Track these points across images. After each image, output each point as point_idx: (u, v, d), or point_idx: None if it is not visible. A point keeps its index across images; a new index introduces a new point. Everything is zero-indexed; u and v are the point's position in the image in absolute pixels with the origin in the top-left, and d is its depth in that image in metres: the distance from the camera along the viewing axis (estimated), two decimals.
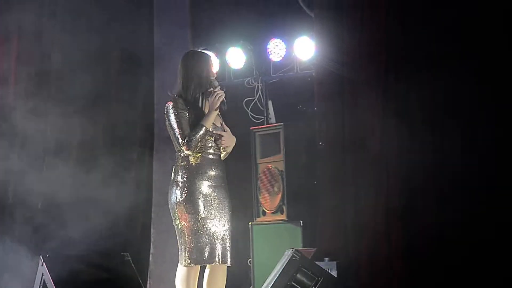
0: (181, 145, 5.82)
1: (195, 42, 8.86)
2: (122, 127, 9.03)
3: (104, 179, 8.81)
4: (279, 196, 8.11)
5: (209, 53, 6.18)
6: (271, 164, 8.22)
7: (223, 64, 8.72)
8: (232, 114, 8.60)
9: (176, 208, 5.86)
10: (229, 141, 6.03)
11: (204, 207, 5.82)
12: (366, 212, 7.40)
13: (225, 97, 5.98)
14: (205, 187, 5.86)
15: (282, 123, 8.24)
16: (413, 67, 7.30)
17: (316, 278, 6.21)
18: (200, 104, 5.96)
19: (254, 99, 8.65)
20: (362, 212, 7.42)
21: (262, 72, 8.60)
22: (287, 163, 8.13)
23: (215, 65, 6.04)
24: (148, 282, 8.69)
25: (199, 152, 5.88)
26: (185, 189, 5.84)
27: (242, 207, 8.40)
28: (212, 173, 5.90)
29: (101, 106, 8.78)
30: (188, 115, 5.87)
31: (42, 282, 5.97)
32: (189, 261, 5.78)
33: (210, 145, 5.93)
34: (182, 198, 5.84)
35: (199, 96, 5.95)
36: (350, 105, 7.71)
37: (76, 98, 8.54)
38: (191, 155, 5.86)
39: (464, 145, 6.77)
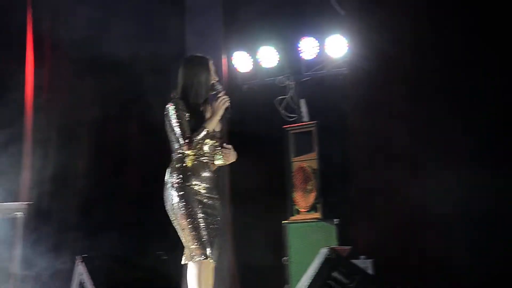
0: (182, 144, 5.80)
1: (227, 42, 8.87)
2: (155, 129, 9.04)
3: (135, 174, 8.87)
4: (313, 194, 8.09)
5: (210, 58, 6.09)
6: (305, 163, 8.20)
7: (255, 63, 8.72)
8: (265, 113, 8.65)
9: (174, 209, 5.85)
10: (231, 156, 6.03)
11: (199, 205, 5.81)
12: (402, 209, 7.39)
13: (230, 103, 5.92)
14: (199, 186, 5.85)
15: (315, 122, 8.22)
16: (443, 67, 7.29)
17: (352, 276, 6.18)
18: (201, 108, 5.94)
19: (286, 98, 8.63)
20: (398, 209, 7.41)
21: (294, 70, 8.58)
22: (321, 162, 8.10)
23: (214, 70, 6.02)
24: (184, 281, 8.70)
25: (195, 155, 5.89)
26: (181, 190, 5.83)
27: (276, 206, 8.41)
28: (206, 174, 5.89)
29: (133, 107, 8.82)
30: (189, 117, 5.86)
31: (79, 281, 6.00)
32: (196, 257, 5.76)
33: (206, 150, 5.93)
34: (178, 199, 5.83)
35: (201, 100, 5.93)
36: (381, 104, 7.70)
37: (108, 98, 8.59)
38: (189, 155, 5.87)
39: None
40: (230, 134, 8.86)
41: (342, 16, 8.12)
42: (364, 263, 6.93)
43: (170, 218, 5.88)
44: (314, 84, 8.54)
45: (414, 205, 7.37)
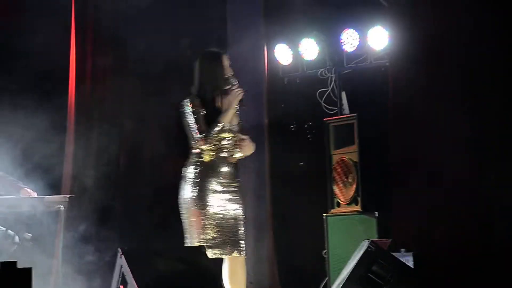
0: (198, 140, 5.91)
1: (268, 33, 8.86)
2: None
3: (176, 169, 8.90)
4: (353, 187, 8.07)
5: (224, 52, 6.18)
6: (345, 155, 8.18)
7: (296, 56, 8.70)
8: (306, 106, 8.64)
9: (187, 204, 5.98)
10: (247, 148, 6.10)
11: (213, 203, 5.93)
12: (442, 202, 7.34)
13: (244, 95, 6.04)
14: (215, 184, 5.95)
15: (356, 114, 8.19)
16: (489, 59, 7.22)
17: (393, 270, 6.15)
18: (217, 103, 6.02)
19: (327, 90, 8.61)
20: (438, 202, 7.36)
21: (336, 63, 8.55)
22: (361, 154, 8.08)
23: (229, 64, 6.06)
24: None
25: (214, 151, 5.97)
26: (196, 185, 5.94)
27: (316, 199, 8.40)
28: (224, 169, 5.99)
29: (173, 98, 8.84)
30: (205, 113, 5.94)
31: (120, 274, 6.04)
32: (219, 254, 5.99)
33: (226, 145, 6.01)
34: (192, 194, 5.95)
35: (216, 96, 6.01)
36: (423, 96, 7.65)
37: (147, 88, 8.65)
38: (206, 150, 5.94)
39: None
40: (271, 126, 8.91)
41: (384, 8, 8.07)
42: (405, 256, 6.89)
43: (180, 210, 6.00)
44: (356, 76, 8.51)
45: (456, 198, 7.32)
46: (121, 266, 5.99)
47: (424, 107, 7.67)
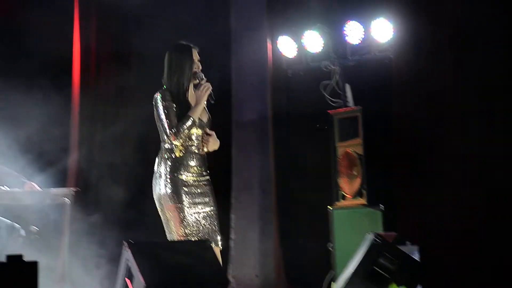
0: (169, 135, 5.93)
1: (271, 26, 8.84)
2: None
3: None
4: (359, 180, 8.05)
5: (193, 46, 6.15)
6: (350, 148, 8.16)
7: (300, 48, 8.67)
8: (310, 98, 8.62)
9: (161, 199, 6.02)
10: (213, 144, 6.16)
11: (187, 197, 5.97)
12: (448, 194, 7.33)
13: (212, 90, 6.06)
14: (187, 177, 6.00)
15: (360, 107, 8.16)
16: (493, 52, 7.20)
17: (399, 262, 6.14)
18: (186, 97, 6.04)
19: (331, 83, 8.58)
20: (444, 194, 7.35)
21: (339, 55, 8.51)
22: (366, 147, 8.06)
23: (198, 58, 6.08)
24: (229, 267, 8.73)
25: (183, 145, 6.01)
26: (169, 180, 5.98)
27: (321, 191, 8.39)
28: (194, 163, 6.04)
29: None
30: (175, 107, 5.96)
31: (126, 267, 6.03)
32: None
33: (194, 139, 6.06)
34: (166, 189, 5.98)
35: (184, 89, 6.03)
36: (426, 88, 7.64)
37: (152, 82, 8.63)
38: (177, 146, 5.99)
39: None
40: (275, 118, 8.90)
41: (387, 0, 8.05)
42: (410, 249, 6.88)
43: (157, 207, 6.03)
44: (359, 68, 8.47)
45: (461, 191, 7.31)
46: (127, 259, 5.98)
47: (428, 99, 7.66)
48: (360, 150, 8.08)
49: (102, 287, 7.51)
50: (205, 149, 6.15)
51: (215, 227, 6.11)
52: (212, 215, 6.10)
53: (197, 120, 6.01)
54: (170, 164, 6.01)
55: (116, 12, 8.63)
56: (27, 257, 3.88)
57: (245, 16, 8.87)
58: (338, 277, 6.93)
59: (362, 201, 7.99)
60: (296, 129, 8.93)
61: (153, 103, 6.01)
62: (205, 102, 6.09)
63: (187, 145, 6.03)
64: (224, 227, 8.82)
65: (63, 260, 6.59)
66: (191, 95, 6.08)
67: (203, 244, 6.28)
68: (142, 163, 8.48)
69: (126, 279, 6.01)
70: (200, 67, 6.11)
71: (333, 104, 8.47)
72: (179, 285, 5.89)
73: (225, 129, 9.00)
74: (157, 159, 6.09)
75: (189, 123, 5.94)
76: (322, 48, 8.55)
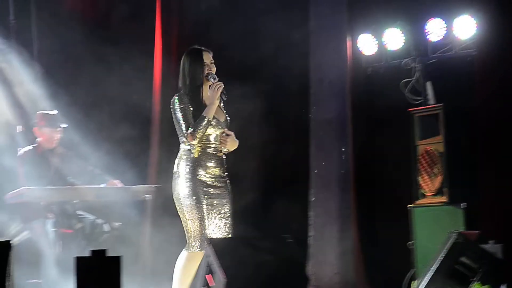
0: (186, 135, 6.05)
1: (351, 24, 8.80)
2: (277, 110, 9.10)
3: (260, 162, 8.95)
4: (439, 178, 7.96)
5: (205, 49, 6.28)
6: (430, 146, 8.08)
7: (380, 46, 8.61)
8: (389, 96, 8.56)
9: (180, 200, 6.12)
10: (231, 144, 6.25)
11: (205, 197, 6.09)
12: None
13: (224, 88, 6.13)
14: (205, 178, 6.11)
15: (441, 104, 8.07)
16: None
17: (481, 261, 6.06)
18: (201, 98, 6.16)
19: (411, 81, 8.50)
20: None
21: (420, 52, 8.42)
22: (447, 145, 7.96)
23: (210, 61, 6.22)
24: (308, 264, 8.72)
25: (201, 146, 6.12)
26: (188, 180, 6.09)
27: (401, 190, 8.33)
28: (212, 165, 6.15)
29: (256, 89, 8.89)
30: (192, 108, 6.10)
31: (207, 263, 6.08)
32: (195, 247, 6.10)
33: (212, 140, 6.17)
34: (184, 190, 6.10)
35: (198, 91, 6.16)
36: (510, 86, 7.52)
37: (232, 83, 8.70)
38: (195, 145, 6.09)
39: None
40: (354, 117, 8.86)
41: None
42: (493, 248, 6.77)
43: (176, 207, 6.13)
44: (441, 66, 8.37)
45: None
46: (207, 256, 6.03)
47: (511, 97, 7.55)
48: (441, 148, 7.99)
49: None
50: (224, 150, 6.26)
51: (228, 228, 6.23)
52: (228, 216, 6.22)
53: (212, 119, 6.11)
54: (188, 164, 6.13)
55: (195, 12, 8.73)
56: (110, 252, 3.94)
57: (324, 14, 8.84)
58: (419, 276, 6.87)
59: (443, 199, 7.90)
60: (376, 127, 8.87)
61: (171, 106, 6.19)
62: (221, 101, 6.22)
63: (205, 146, 6.16)
64: (302, 225, 8.87)
65: (145, 255, 6.68)
66: (206, 96, 6.20)
67: (284, 240, 6.30)
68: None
69: (207, 275, 6.06)
70: (214, 69, 6.24)
71: (414, 102, 8.39)
72: (259, 282, 5.91)
73: (304, 128, 9.00)
74: (176, 160, 6.22)
75: (204, 122, 6.05)
76: (402, 45, 8.48)
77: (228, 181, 6.24)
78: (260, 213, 8.76)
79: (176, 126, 6.16)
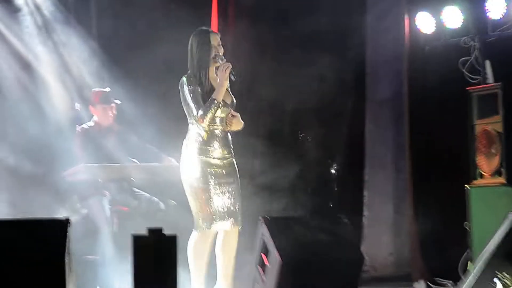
0: (197, 117, 6.13)
1: (409, 2, 8.70)
2: (333, 90, 9.07)
3: (317, 145, 8.95)
4: (497, 158, 7.85)
5: (212, 31, 6.41)
6: (489, 126, 7.96)
7: (438, 24, 8.49)
8: (447, 75, 8.46)
9: (188, 181, 6.22)
10: (236, 125, 6.34)
11: (212, 177, 6.18)
12: None
13: (232, 69, 6.18)
14: (213, 159, 6.20)
15: (500, 83, 7.94)
16: None
17: None
18: (207, 79, 6.23)
19: (470, 59, 8.38)
20: None
21: (479, 31, 8.28)
22: (506, 124, 7.84)
23: (217, 42, 6.29)
24: (362, 244, 8.70)
25: (210, 127, 6.20)
26: (195, 162, 6.18)
27: (458, 169, 8.24)
28: (218, 145, 6.23)
29: (314, 76, 8.88)
30: (200, 89, 6.17)
31: (262, 242, 6.10)
32: (203, 226, 6.16)
33: (218, 122, 6.25)
34: (192, 171, 6.19)
35: (204, 71, 6.22)
36: None
37: (290, 70, 8.72)
38: (204, 128, 6.15)
39: None
40: (411, 96, 8.78)
41: None
42: None
43: (184, 188, 6.24)
44: (500, 44, 8.22)
45: None
46: (263, 234, 6.05)
47: None
48: (499, 128, 7.87)
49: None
50: (229, 129, 6.33)
51: (237, 206, 6.26)
52: (236, 195, 6.27)
53: (221, 102, 6.16)
54: (196, 146, 6.21)
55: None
56: (166, 231, 3.97)
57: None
58: (476, 257, 6.80)
59: (501, 179, 7.79)
60: (433, 106, 8.77)
61: (179, 87, 6.25)
62: (228, 82, 6.25)
63: (212, 128, 6.22)
64: (357, 204, 8.85)
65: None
66: (213, 77, 6.27)
67: (338, 220, 6.29)
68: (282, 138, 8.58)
69: (262, 254, 6.08)
70: (221, 51, 6.29)
71: (472, 81, 8.28)
72: (315, 261, 5.91)
73: (359, 107, 8.96)
74: (184, 141, 6.30)
75: (213, 104, 6.12)
76: (461, 23, 8.35)
77: (234, 161, 6.32)
78: (315, 193, 8.75)
79: (185, 108, 6.24)
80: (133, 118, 8.01)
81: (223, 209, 6.18)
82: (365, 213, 8.84)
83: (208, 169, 6.17)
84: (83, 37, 8.38)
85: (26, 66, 8.29)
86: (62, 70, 8.39)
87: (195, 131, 6.23)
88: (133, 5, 8.35)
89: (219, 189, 6.18)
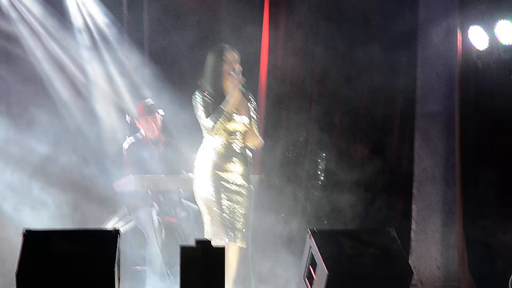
0: (207, 128, 6.25)
1: (462, 15, 8.61)
2: (383, 103, 9.02)
3: (364, 154, 8.91)
4: None
5: (228, 47, 6.48)
6: None
7: (492, 39, 8.37)
8: (500, 91, 8.36)
9: (200, 193, 6.29)
10: (251, 139, 6.41)
11: (224, 192, 6.25)
12: None
13: (244, 82, 6.32)
14: (227, 173, 6.28)
15: None
16: None
17: None
18: (221, 93, 6.36)
19: None
20: None
21: None
22: None
23: (234, 58, 6.44)
24: (410, 258, 8.64)
25: (226, 142, 6.30)
26: (208, 174, 6.26)
27: (508, 185, 8.15)
28: (235, 160, 6.31)
29: (361, 80, 8.85)
30: (210, 101, 6.30)
31: (310, 254, 6.10)
32: (218, 241, 6.15)
33: (238, 137, 6.35)
34: (205, 184, 6.26)
35: (218, 86, 6.37)
36: None
37: (330, 74, 8.72)
38: (220, 141, 6.28)
39: None
40: (462, 111, 8.70)
41: None
42: None
43: (196, 199, 6.34)
44: None
45: None
46: (311, 247, 6.04)
47: None
48: None
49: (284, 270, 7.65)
50: (245, 143, 6.41)
51: (241, 228, 6.31)
52: (240, 215, 6.31)
53: (229, 111, 6.26)
54: (210, 159, 6.31)
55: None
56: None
57: (434, 5, 8.71)
58: None
59: None
60: (485, 122, 8.67)
61: (193, 101, 6.39)
62: (241, 95, 6.36)
63: (229, 142, 6.31)
64: (405, 218, 8.79)
65: (247, 246, 6.72)
66: (227, 91, 6.38)
67: (387, 234, 6.26)
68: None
69: (310, 266, 6.08)
70: (237, 67, 6.40)
71: None
72: (362, 275, 5.89)
73: (409, 120, 8.91)
74: (198, 154, 6.39)
75: (221, 114, 6.23)
76: None
77: (249, 179, 6.38)
78: (363, 206, 8.71)
79: (199, 120, 6.36)
80: (182, 129, 8.06)
81: (230, 224, 6.25)
82: (413, 226, 8.78)
83: (221, 183, 6.27)
84: (136, 51, 8.52)
85: (81, 79, 8.46)
86: (115, 84, 8.52)
87: (210, 143, 6.35)
88: (184, 23, 8.47)
89: (229, 202, 6.27)
